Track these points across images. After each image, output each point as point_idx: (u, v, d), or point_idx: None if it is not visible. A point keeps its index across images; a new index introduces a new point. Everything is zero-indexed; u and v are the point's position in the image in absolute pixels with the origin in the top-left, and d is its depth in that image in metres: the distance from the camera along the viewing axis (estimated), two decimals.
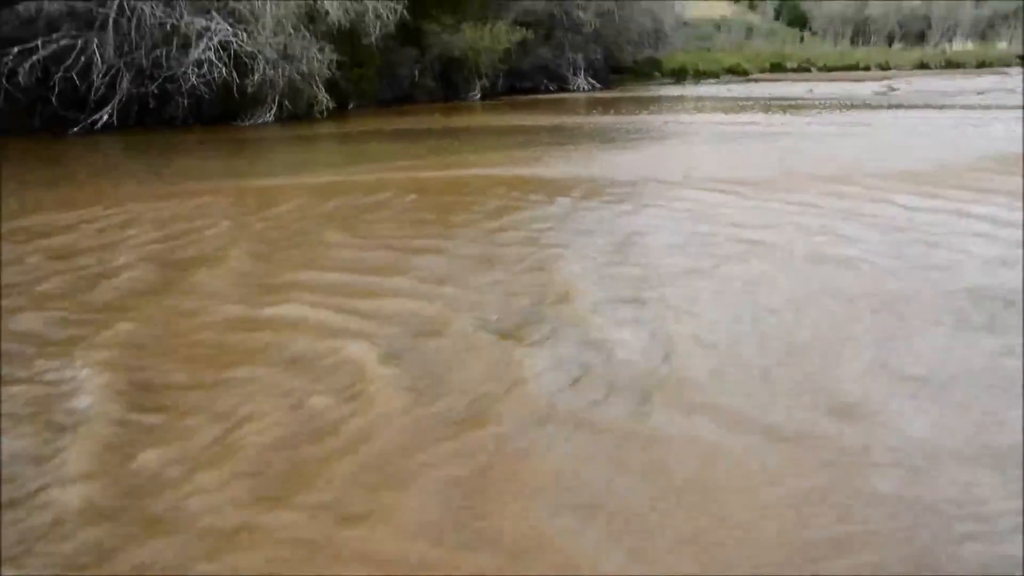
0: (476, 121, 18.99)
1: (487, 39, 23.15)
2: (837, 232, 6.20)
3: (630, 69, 34.12)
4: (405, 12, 19.72)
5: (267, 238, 6.67)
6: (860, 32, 53.77)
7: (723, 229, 6.36)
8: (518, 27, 24.77)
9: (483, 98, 24.23)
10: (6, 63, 14.63)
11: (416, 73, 22.09)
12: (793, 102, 21.97)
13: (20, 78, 14.72)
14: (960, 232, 6.15)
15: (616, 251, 5.82)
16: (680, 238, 6.20)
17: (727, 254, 5.60)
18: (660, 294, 4.72)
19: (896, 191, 7.90)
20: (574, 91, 28.65)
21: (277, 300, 4.83)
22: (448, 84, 23.69)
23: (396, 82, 21.64)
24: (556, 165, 10.76)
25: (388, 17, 19.21)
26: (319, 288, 5.06)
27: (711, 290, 4.81)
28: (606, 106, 21.69)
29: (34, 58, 14.81)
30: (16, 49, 14.59)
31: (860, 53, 46.40)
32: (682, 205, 7.52)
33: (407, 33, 20.95)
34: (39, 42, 14.79)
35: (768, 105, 21.11)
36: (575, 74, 29.36)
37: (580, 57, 29.27)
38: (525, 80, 27.49)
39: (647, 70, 35.42)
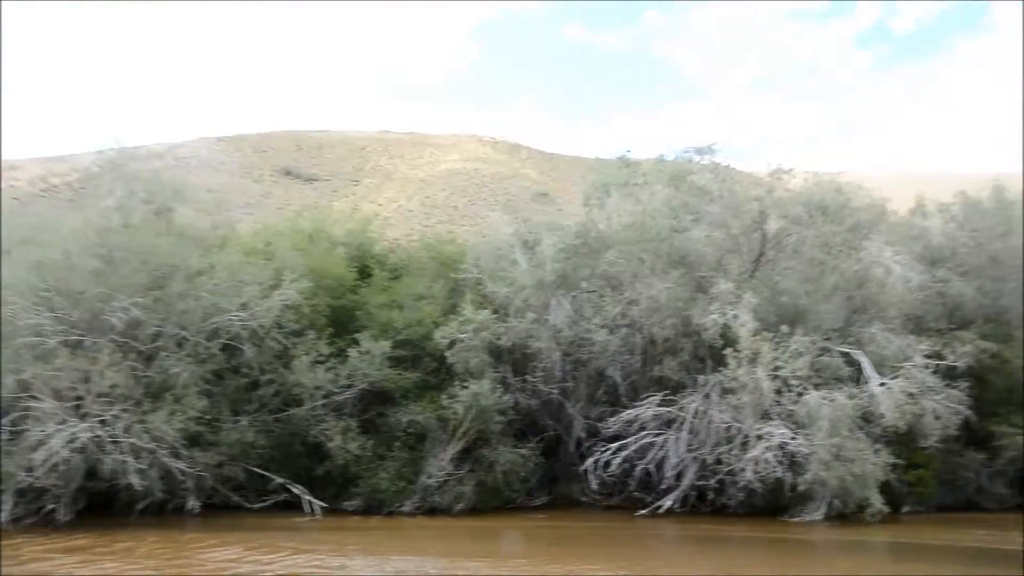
0: None
1: None
2: None
3: None
4: (969, 412, 18.80)
5: None
6: None
7: None
8: None
9: None
10: (606, 455, 17.98)
11: (983, 478, 20.17)
12: None
13: (612, 467, 17.86)
14: None
15: None
16: None
17: None
18: None
19: None
20: None
21: None
22: None
23: (958, 487, 19.97)
24: None
25: (949, 418, 18.46)
26: None
27: None
28: None
29: (624, 453, 17.93)
30: (615, 445, 17.97)
31: None
32: None
33: (971, 434, 19.68)
34: (632, 439, 17.97)
35: None
36: None
37: None
38: None
39: None
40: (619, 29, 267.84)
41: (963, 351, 19.19)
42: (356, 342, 19.03)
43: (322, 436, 18.34)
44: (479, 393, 18.32)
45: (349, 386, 18.70)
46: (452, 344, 18.90)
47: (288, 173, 59.63)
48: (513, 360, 19.80)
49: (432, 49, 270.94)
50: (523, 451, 19.12)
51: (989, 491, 20.31)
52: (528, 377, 19.74)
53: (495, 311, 19.75)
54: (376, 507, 18.29)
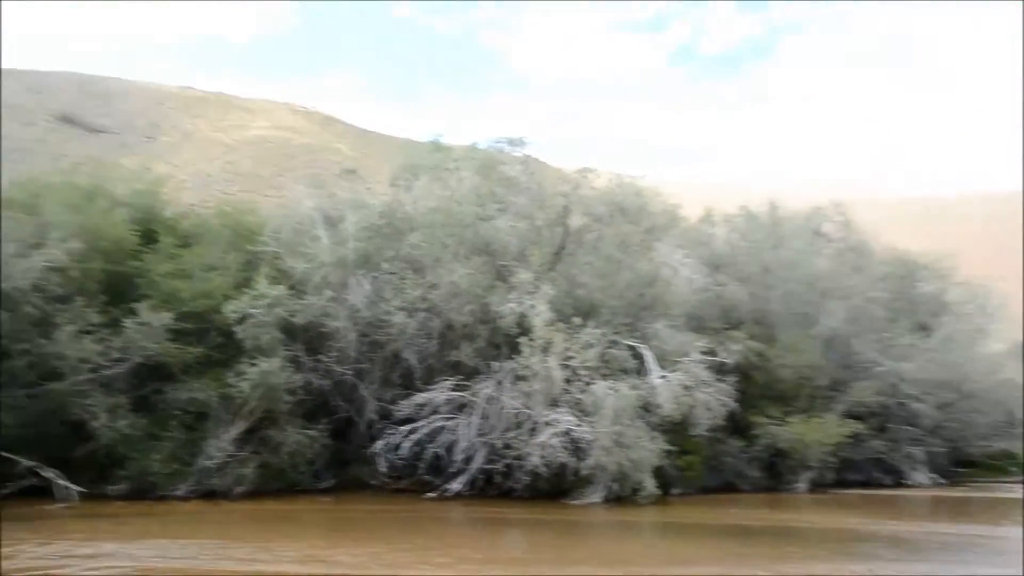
0: (807, 520, 18.28)
1: (816, 432, 22.86)
2: None
3: (979, 463, 30.63)
4: (735, 405, 20.55)
5: None
6: None
7: None
8: (849, 420, 24.22)
9: (811, 490, 23.28)
10: (397, 438, 17.77)
11: (741, 463, 22.24)
12: None
13: (403, 450, 17.72)
14: None
15: None
16: None
17: None
18: None
19: None
20: (912, 486, 26.28)
21: None
22: (773, 474, 23.31)
23: (721, 471, 21.90)
24: None
25: (718, 409, 20.06)
26: None
27: None
28: (954, 510, 19.58)
29: (415, 436, 17.85)
30: (407, 428, 17.80)
31: None
32: None
33: (735, 424, 21.58)
34: (424, 423, 17.90)
35: None
36: (913, 468, 27.15)
37: (918, 450, 27.23)
38: (856, 472, 25.97)
39: (1000, 464, 31.41)
40: (449, 14, 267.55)
41: (734, 349, 21.06)
42: (133, 312, 17.46)
43: (85, 414, 16.67)
44: (268, 371, 17.51)
45: (122, 359, 17.15)
46: (243, 319, 17.87)
47: (68, 120, 53.58)
48: (307, 338, 19.05)
49: (247, 6, 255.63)
50: (311, 432, 18.48)
51: (746, 474, 22.44)
52: (322, 357, 19.05)
53: (292, 287, 18.88)
54: (146, 491, 16.94)
